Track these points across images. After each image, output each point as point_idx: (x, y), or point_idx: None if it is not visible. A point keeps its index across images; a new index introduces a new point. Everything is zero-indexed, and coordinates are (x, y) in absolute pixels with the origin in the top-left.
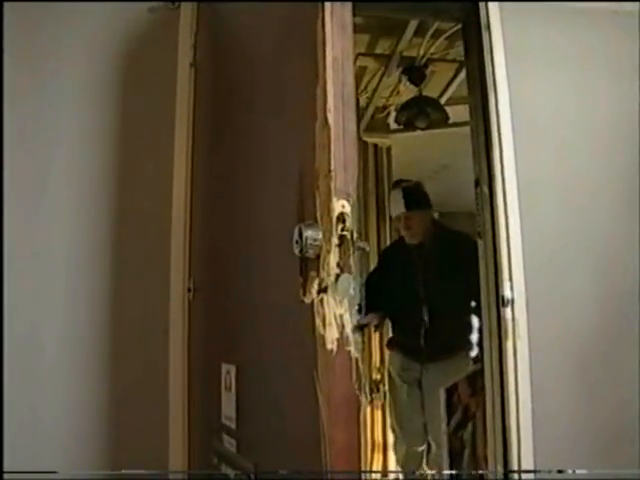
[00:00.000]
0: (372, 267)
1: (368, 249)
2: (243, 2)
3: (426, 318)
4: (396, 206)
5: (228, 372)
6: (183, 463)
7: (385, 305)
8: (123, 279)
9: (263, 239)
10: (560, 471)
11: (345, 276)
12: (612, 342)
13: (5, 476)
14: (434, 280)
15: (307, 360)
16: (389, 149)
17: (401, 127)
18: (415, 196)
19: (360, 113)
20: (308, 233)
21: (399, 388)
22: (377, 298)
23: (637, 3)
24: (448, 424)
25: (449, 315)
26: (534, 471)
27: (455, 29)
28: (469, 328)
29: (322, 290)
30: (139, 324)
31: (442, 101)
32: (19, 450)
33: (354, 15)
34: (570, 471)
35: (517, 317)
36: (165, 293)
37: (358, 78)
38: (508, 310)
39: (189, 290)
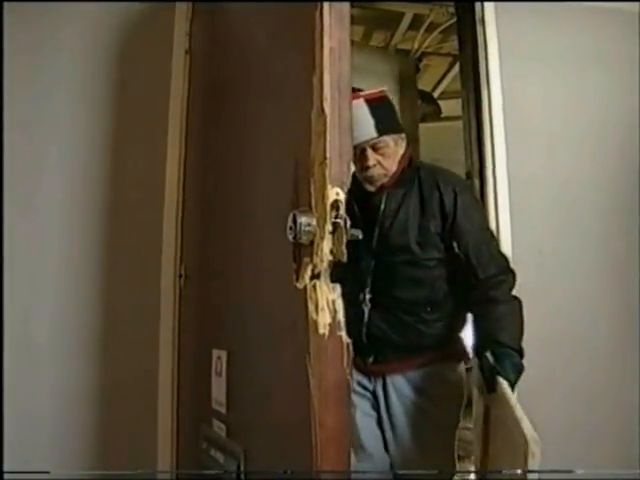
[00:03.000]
0: None
1: (361, 237)
2: None
3: (368, 304)
4: (356, 129)
5: (219, 357)
6: (172, 448)
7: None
8: (114, 264)
9: (255, 225)
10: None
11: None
12: (606, 341)
13: (5, 476)
14: (395, 247)
15: (298, 345)
16: None
17: None
18: (387, 113)
19: None
20: (302, 219)
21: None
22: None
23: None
24: None
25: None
26: (541, 471)
27: (450, 23)
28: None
29: (315, 276)
30: (130, 309)
31: (435, 94)
32: (7, 446)
33: (351, 6)
34: (580, 471)
35: None
36: (156, 279)
37: None
38: None
39: (180, 276)
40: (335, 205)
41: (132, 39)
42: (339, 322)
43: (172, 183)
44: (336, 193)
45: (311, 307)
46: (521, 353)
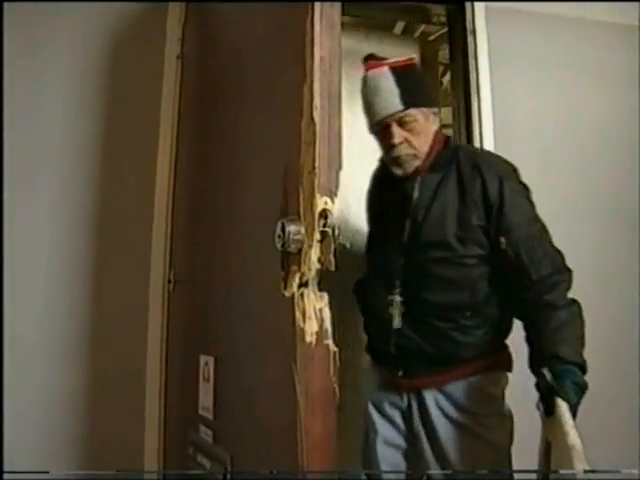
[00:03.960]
0: None
1: (349, 246)
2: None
3: (398, 309)
4: (380, 102)
5: (206, 363)
6: (158, 454)
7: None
8: (104, 269)
9: (244, 232)
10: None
11: None
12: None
13: (5, 476)
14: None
15: (285, 352)
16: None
17: None
18: (416, 83)
19: None
20: (291, 228)
21: (372, 428)
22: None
23: (617, 13)
24: None
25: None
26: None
27: (441, 32)
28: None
29: (303, 284)
30: (119, 314)
31: None
32: None
33: (343, 14)
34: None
35: None
36: (145, 284)
37: None
38: None
39: (169, 281)
40: (323, 214)
41: (124, 44)
42: (326, 330)
43: (162, 188)
44: (325, 202)
45: (298, 315)
46: (584, 368)
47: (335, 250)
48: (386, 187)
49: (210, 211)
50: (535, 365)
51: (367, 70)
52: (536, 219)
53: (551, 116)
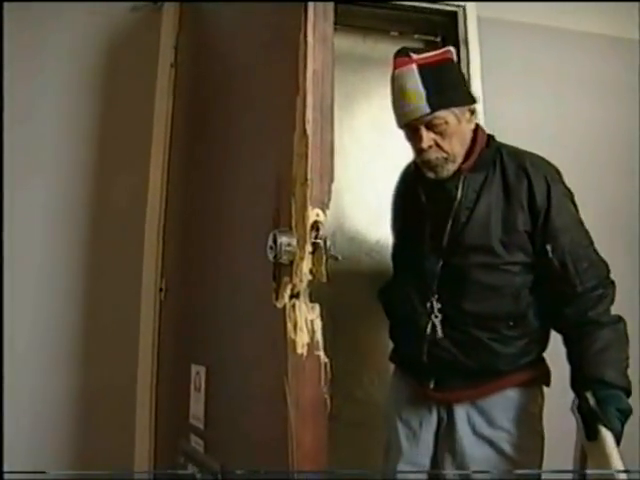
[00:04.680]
0: None
1: (340, 258)
2: (226, 6)
3: (434, 316)
4: (406, 105)
5: (198, 373)
6: (149, 462)
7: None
8: (95, 276)
9: (235, 242)
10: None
11: None
12: None
13: (5, 476)
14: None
15: (276, 363)
16: None
17: None
18: (446, 80)
19: None
20: (283, 239)
21: (397, 447)
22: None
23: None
24: None
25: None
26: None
27: (434, 42)
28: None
29: (294, 295)
30: (110, 322)
31: None
32: None
33: (336, 24)
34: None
35: None
36: (137, 292)
37: None
38: None
39: (161, 290)
40: (315, 226)
41: (118, 51)
42: (317, 342)
43: (155, 197)
44: (316, 214)
45: (290, 326)
46: (629, 391)
47: (327, 261)
48: (421, 186)
49: (202, 220)
50: (578, 386)
51: (395, 68)
52: (582, 225)
53: (543, 126)
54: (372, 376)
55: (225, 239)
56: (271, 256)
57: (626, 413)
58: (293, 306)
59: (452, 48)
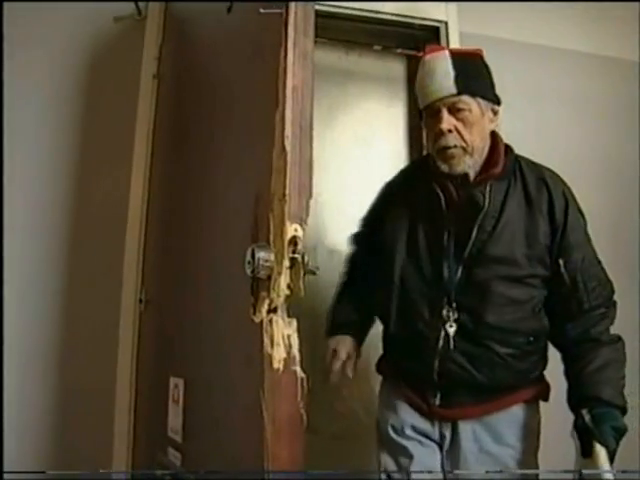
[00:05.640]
0: None
1: (318, 272)
2: (209, 19)
3: (449, 329)
4: (432, 84)
5: (176, 385)
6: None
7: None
8: (75, 286)
9: (215, 255)
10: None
11: None
12: None
13: (5, 476)
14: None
15: (253, 378)
16: None
17: None
18: (476, 71)
19: None
20: (260, 254)
21: (402, 453)
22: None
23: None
24: None
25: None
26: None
27: (416, 58)
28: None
29: (272, 310)
30: (89, 332)
31: None
32: None
33: (317, 37)
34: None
35: None
36: (117, 302)
37: None
38: None
39: (141, 301)
40: (293, 241)
41: (100, 61)
42: (294, 357)
43: (135, 208)
44: (294, 229)
45: (267, 341)
46: (624, 410)
47: (304, 276)
48: (441, 190)
49: (182, 232)
50: (574, 403)
51: (426, 54)
52: (592, 245)
53: (525, 142)
54: (351, 389)
55: (206, 252)
56: (249, 271)
57: (621, 431)
58: (270, 321)
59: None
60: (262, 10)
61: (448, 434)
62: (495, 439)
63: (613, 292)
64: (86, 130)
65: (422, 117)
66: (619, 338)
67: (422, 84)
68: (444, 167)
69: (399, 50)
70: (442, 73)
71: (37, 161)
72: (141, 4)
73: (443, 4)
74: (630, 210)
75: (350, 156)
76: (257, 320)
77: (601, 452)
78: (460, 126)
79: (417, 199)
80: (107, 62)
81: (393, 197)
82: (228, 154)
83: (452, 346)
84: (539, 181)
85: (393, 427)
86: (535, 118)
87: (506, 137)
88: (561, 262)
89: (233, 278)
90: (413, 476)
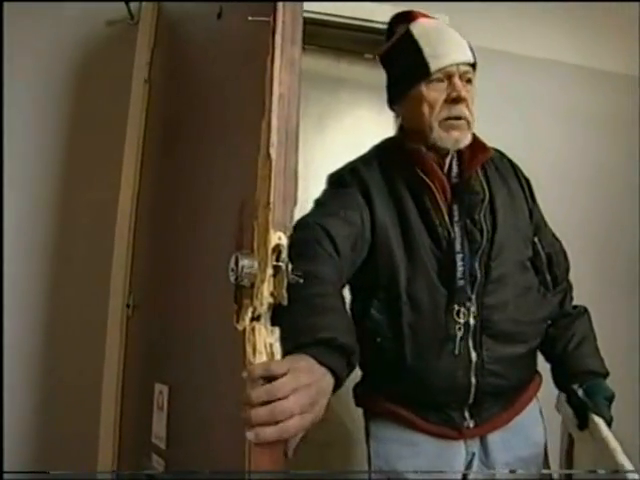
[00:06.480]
0: None
1: (302, 281)
2: (201, 25)
3: (473, 335)
4: (450, 46)
5: (161, 392)
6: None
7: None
8: (62, 290)
9: (203, 262)
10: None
11: None
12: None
13: (5, 476)
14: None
15: (237, 386)
16: None
17: None
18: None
19: None
20: (244, 262)
21: None
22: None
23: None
24: None
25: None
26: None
27: None
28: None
29: (255, 318)
30: (76, 336)
31: None
32: None
33: (308, 44)
34: None
35: None
36: (104, 307)
37: None
38: None
39: (128, 306)
40: (277, 249)
41: (92, 65)
42: None
43: (124, 213)
44: (278, 237)
45: (249, 349)
46: (607, 375)
47: (288, 284)
48: (432, 182)
49: (171, 237)
50: (563, 380)
51: (416, 18)
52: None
53: (514, 151)
54: (340, 395)
55: (193, 257)
56: (232, 278)
57: (611, 399)
58: (253, 329)
59: None
60: (250, 18)
61: (477, 451)
62: (526, 442)
63: (569, 264)
64: (76, 134)
65: (410, 86)
66: (585, 309)
67: (432, 47)
68: (448, 141)
69: None
70: (457, 38)
71: (26, 165)
72: (133, 9)
73: (436, 15)
74: (618, 218)
75: (341, 163)
76: (240, 328)
77: (600, 422)
78: (469, 99)
79: (398, 191)
80: (99, 66)
81: (369, 192)
82: (217, 160)
83: (485, 356)
84: (501, 159)
85: (414, 467)
86: (524, 128)
87: (495, 146)
88: (536, 239)
89: (219, 285)
90: (412, 476)
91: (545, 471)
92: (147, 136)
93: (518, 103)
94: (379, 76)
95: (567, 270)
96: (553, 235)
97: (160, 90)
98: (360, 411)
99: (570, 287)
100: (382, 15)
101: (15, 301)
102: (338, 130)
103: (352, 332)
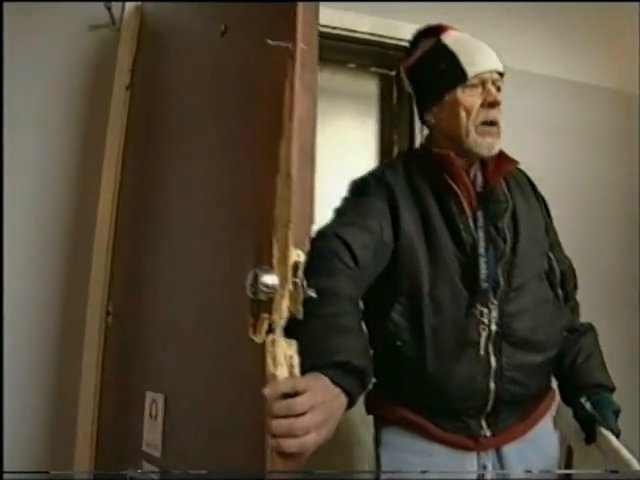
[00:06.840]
0: None
1: (315, 296)
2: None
3: (495, 342)
4: (489, 54)
5: (154, 401)
6: None
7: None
8: (40, 295)
9: (183, 269)
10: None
11: None
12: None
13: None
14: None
15: (250, 396)
16: None
17: None
18: None
19: None
20: (264, 278)
21: None
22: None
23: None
24: None
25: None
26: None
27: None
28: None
29: (271, 331)
30: (53, 344)
31: None
32: None
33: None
34: None
35: None
36: (82, 315)
37: None
38: None
39: (108, 314)
40: (296, 266)
41: (73, 70)
42: (296, 377)
43: (104, 218)
44: (297, 255)
45: (269, 361)
46: (614, 389)
47: (303, 299)
48: (458, 188)
49: (154, 243)
50: (570, 394)
51: (444, 31)
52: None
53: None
54: None
55: (184, 269)
56: (250, 293)
57: (618, 413)
58: (272, 341)
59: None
60: (270, 42)
61: (489, 463)
62: (541, 455)
63: (577, 282)
64: (56, 139)
65: (446, 92)
66: (592, 326)
67: (469, 51)
68: (483, 146)
69: (373, 69)
70: (488, 48)
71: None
72: (116, 16)
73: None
74: (601, 231)
75: (324, 173)
76: (258, 340)
77: (609, 435)
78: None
79: (424, 196)
80: (80, 71)
81: (394, 197)
82: (196, 168)
83: (505, 363)
84: (520, 173)
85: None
86: (507, 141)
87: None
88: (551, 255)
89: (224, 298)
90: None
91: (564, 471)
92: (128, 143)
93: (504, 116)
94: (361, 86)
95: (575, 287)
96: (564, 254)
97: (142, 97)
98: (358, 415)
99: (577, 304)
100: (365, 26)
101: None
102: (320, 139)
103: (367, 353)
